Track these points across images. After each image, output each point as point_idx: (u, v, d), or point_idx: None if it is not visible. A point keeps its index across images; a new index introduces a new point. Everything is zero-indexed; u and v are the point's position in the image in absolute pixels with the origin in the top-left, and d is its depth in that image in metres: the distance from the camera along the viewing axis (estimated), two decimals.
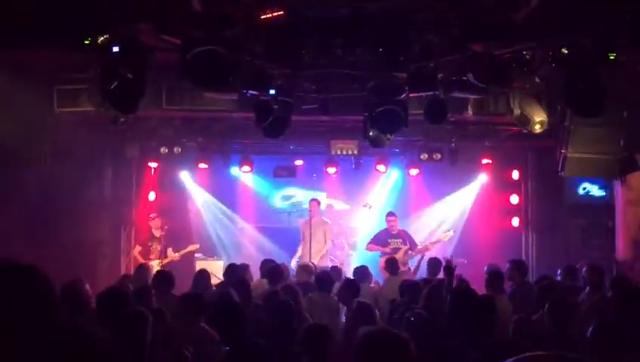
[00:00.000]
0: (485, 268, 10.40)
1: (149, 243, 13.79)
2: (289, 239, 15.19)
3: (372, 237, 14.12)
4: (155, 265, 12.67)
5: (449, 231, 14.55)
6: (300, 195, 16.72)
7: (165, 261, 13.37)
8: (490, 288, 8.60)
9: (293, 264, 13.36)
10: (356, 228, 16.36)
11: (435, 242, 14.02)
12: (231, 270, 10.27)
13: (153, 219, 14.06)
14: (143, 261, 12.97)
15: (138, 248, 13.88)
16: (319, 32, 8.14)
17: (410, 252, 13.41)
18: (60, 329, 1.76)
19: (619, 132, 10.75)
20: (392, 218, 13.96)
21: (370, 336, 4.04)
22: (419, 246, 13.73)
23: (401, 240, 13.69)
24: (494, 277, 8.91)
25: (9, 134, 9.15)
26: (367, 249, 14.07)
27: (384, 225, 14.15)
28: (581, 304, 8.17)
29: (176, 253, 13.77)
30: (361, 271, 10.63)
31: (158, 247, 13.67)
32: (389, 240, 13.74)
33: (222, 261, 14.66)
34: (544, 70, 8.99)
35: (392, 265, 11.31)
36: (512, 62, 8.40)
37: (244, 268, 10.55)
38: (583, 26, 7.70)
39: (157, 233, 13.86)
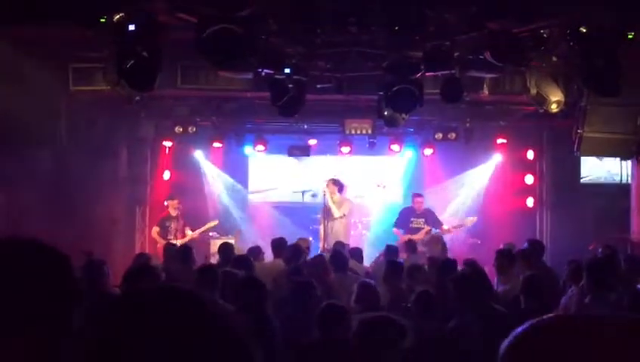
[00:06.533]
0: (502, 247, 10.39)
1: (167, 224, 13.87)
2: (302, 217, 15.24)
3: (397, 216, 14.17)
4: (178, 244, 12.79)
5: (473, 217, 14.48)
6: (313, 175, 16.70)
7: (185, 239, 13.48)
8: (500, 269, 8.54)
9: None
10: (370, 208, 16.35)
11: (458, 226, 14.05)
12: (225, 249, 10.32)
13: (171, 199, 14.15)
14: (164, 241, 13.08)
15: (156, 228, 13.93)
16: (334, 10, 8.10)
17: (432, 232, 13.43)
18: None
19: (636, 112, 10.66)
20: (419, 199, 14.07)
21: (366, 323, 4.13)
22: (443, 227, 13.77)
23: (423, 220, 13.73)
24: (501, 257, 8.78)
25: (24, 112, 9.16)
26: (394, 232, 14.06)
27: (398, 205, 14.16)
28: None
29: (195, 231, 13.91)
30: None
31: (178, 227, 13.78)
32: (412, 219, 13.82)
33: (234, 239, 14.69)
34: (561, 49, 8.91)
35: (410, 245, 11.51)
36: (530, 40, 8.33)
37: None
38: (602, 4, 7.63)
39: (174, 213, 13.97)
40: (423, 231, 13.42)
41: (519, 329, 1.22)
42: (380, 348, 4.13)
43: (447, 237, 13.03)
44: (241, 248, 13.37)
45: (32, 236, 1.68)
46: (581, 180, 14.33)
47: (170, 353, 1.07)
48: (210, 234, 14.46)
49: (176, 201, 14.09)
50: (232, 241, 13.98)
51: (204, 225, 14.28)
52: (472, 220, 14.23)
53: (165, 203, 14.23)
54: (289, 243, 10.06)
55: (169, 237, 13.55)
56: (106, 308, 1.14)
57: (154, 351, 1.06)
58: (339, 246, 11.02)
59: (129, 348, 1.07)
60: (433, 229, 13.62)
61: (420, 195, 14.19)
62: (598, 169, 14.57)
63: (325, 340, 5.25)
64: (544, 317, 1.22)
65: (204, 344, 1.09)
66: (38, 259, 1.63)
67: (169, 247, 10.99)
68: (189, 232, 13.86)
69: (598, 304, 6.03)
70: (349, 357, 4.74)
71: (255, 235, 15.04)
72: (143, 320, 1.10)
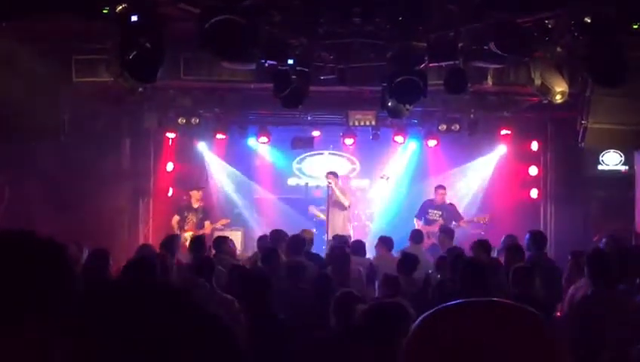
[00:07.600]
0: (502, 240, 10.36)
1: (185, 214, 13.92)
2: (306, 209, 15.24)
3: (419, 208, 14.32)
4: (188, 237, 12.77)
5: (485, 215, 14.43)
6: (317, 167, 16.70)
7: (199, 233, 13.51)
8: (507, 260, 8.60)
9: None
10: (373, 200, 16.34)
11: (469, 221, 14.06)
12: (218, 242, 10.31)
13: (196, 190, 14.19)
14: (178, 232, 13.18)
15: (176, 217, 14.04)
16: (338, 0, 8.07)
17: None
18: None
19: None
20: (440, 191, 14.20)
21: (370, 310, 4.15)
22: (463, 219, 13.96)
23: (440, 213, 13.85)
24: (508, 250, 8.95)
25: (27, 104, 9.16)
26: (415, 221, 14.17)
27: (401, 197, 14.13)
28: None
29: (208, 227, 13.99)
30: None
31: (194, 219, 13.88)
32: (429, 210, 13.95)
33: (239, 232, 14.72)
34: (566, 39, 8.87)
35: (414, 235, 11.77)
36: (534, 30, 8.29)
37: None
38: None
39: (195, 204, 14.00)
40: (437, 225, 13.42)
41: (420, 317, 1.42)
42: (391, 331, 4.14)
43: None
44: (248, 240, 13.42)
45: (28, 228, 1.66)
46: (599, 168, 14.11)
47: (150, 348, 1.05)
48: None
49: (200, 193, 14.15)
50: (237, 233, 14.08)
51: (208, 216, 14.29)
52: (483, 218, 14.20)
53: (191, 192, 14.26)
54: (290, 235, 10.07)
55: (185, 228, 13.64)
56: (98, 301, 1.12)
57: (135, 347, 1.04)
58: (339, 239, 11.01)
59: (115, 341, 1.05)
60: (454, 222, 13.64)
61: (442, 187, 14.27)
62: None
63: (340, 327, 5.26)
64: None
65: (184, 341, 1.07)
66: (34, 252, 1.61)
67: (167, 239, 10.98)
68: (208, 225, 13.97)
69: (601, 295, 6.02)
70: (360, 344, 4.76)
71: (260, 227, 15.03)
72: (131, 314, 1.08)
